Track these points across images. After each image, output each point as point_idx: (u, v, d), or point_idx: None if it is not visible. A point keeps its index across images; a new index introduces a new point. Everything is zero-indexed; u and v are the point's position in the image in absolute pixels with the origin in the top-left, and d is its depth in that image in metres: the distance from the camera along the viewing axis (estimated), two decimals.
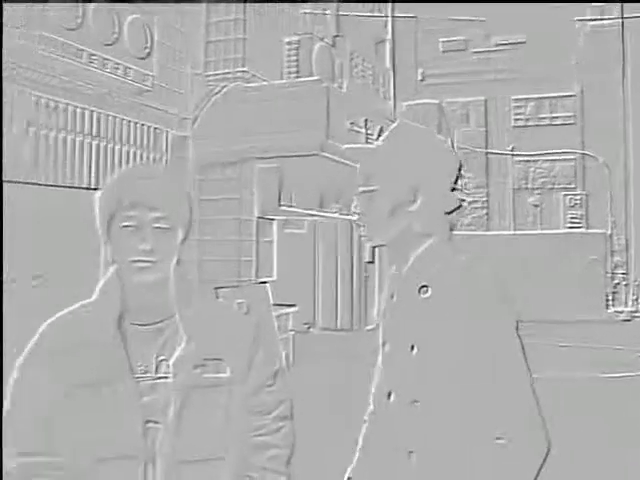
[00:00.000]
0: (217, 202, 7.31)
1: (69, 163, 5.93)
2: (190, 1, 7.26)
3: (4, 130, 5.37)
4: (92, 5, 5.76)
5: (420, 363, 2.01)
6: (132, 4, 6.26)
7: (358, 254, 9.95)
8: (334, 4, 8.96)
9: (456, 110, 12.67)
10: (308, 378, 5.11)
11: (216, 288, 5.40)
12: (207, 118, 7.34)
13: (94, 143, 6.19)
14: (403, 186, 2.10)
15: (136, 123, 6.72)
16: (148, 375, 2.03)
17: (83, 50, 5.73)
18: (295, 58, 7.85)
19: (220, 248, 7.29)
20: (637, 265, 10.91)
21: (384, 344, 2.15)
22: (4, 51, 5.24)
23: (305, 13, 8.35)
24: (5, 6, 5.16)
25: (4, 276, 5.06)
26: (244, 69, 7.38)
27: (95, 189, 5.86)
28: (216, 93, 7.35)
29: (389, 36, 10.55)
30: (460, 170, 2.23)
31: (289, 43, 7.89)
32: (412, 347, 2.02)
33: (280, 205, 7.72)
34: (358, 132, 7.63)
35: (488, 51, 12.59)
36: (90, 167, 6.11)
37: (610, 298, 11.52)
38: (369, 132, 7.81)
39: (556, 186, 12.27)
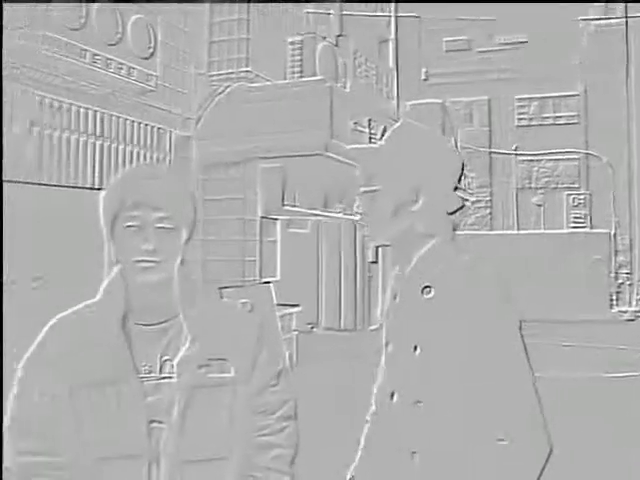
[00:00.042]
0: (221, 202, 7.32)
1: (73, 163, 5.94)
2: (193, 1, 7.26)
3: (7, 130, 5.38)
4: (95, 5, 5.76)
5: (423, 363, 2.00)
6: (135, 4, 6.27)
7: (361, 254, 9.95)
8: (337, 4, 8.96)
9: (459, 110, 12.66)
10: (311, 378, 5.11)
11: (220, 288, 5.40)
12: (210, 118, 7.34)
13: (98, 143, 6.20)
14: (405, 186, 2.10)
15: (140, 123, 6.73)
16: (152, 375, 2.03)
17: (87, 50, 5.73)
18: (298, 58, 7.85)
19: (224, 248, 7.29)
20: None
21: (387, 344, 2.15)
22: (8, 51, 5.24)
23: (308, 13, 8.35)
24: (9, 6, 5.17)
25: (4, 277, 5.06)
26: (247, 69, 7.38)
27: (99, 189, 5.88)
28: (219, 93, 7.36)
29: (392, 36, 10.55)
30: (463, 170, 2.22)
31: (292, 43, 7.90)
32: (415, 347, 2.02)
33: (284, 205, 7.72)
34: (361, 132, 7.63)
35: (491, 51, 12.58)
36: (94, 167, 6.12)
37: (614, 298, 11.51)
38: (372, 132, 7.82)
39: (559, 186, 12.26)
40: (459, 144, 11.16)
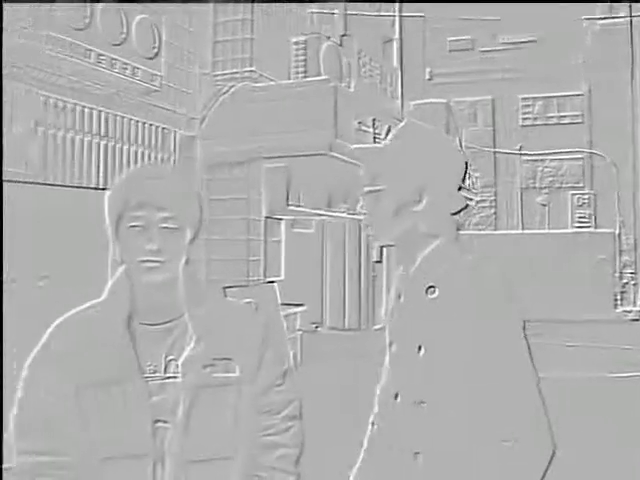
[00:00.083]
0: (225, 202, 7.32)
1: (77, 163, 5.95)
2: (198, 1, 7.27)
3: (12, 130, 5.39)
4: (100, 5, 5.77)
5: (427, 364, 2.00)
6: (140, 4, 6.27)
7: (366, 254, 9.96)
8: (341, 4, 8.96)
9: (464, 109, 12.66)
10: (316, 377, 5.11)
11: (224, 288, 5.41)
12: (215, 118, 7.35)
13: (102, 143, 6.21)
14: (409, 186, 2.09)
15: (144, 123, 6.74)
16: (157, 375, 2.03)
17: (91, 50, 5.74)
18: (303, 58, 7.85)
19: (228, 248, 7.30)
20: None
21: (391, 344, 2.15)
22: (12, 51, 5.25)
23: (312, 13, 8.36)
24: (14, 6, 5.18)
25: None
26: (252, 69, 7.39)
27: (103, 189, 5.88)
28: (224, 93, 7.36)
29: (397, 35, 10.56)
30: (467, 169, 2.22)
31: (296, 43, 7.90)
32: (419, 348, 2.02)
33: (288, 205, 7.73)
34: (366, 131, 7.63)
35: (495, 50, 12.57)
36: (98, 167, 6.13)
37: (618, 297, 11.50)
38: (377, 131, 7.82)
39: (564, 185, 12.26)
40: (463, 144, 11.15)
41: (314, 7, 8.43)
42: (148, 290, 2.05)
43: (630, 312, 10.71)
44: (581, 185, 11.89)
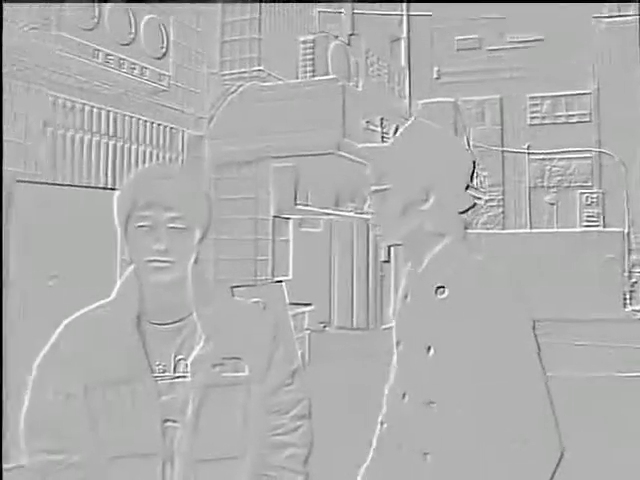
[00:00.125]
0: (233, 201, 7.33)
1: (86, 163, 5.96)
2: (206, 1, 7.28)
3: (22, 130, 5.40)
4: (108, 5, 5.78)
5: (436, 364, 1.99)
6: (148, 4, 6.28)
7: (374, 253, 9.96)
8: (349, 3, 8.96)
9: (471, 108, 12.63)
10: (324, 377, 5.11)
11: (232, 287, 5.41)
12: (223, 117, 7.36)
13: (110, 143, 6.22)
14: (415, 185, 2.08)
15: (152, 123, 6.75)
16: (166, 374, 2.03)
17: (99, 50, 5.75)
18: (311, 57, 7.85)
19: (236, 247, 7.31)
20: None
21: (398, 344, 2.14)
22: (20, 51, 5.27)
23: (320, 12, 8.36)
24: (24, 6, 5.19)
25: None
26: (260, 68, 7.40)
27: (112, 189, 5.90)
28: (232, 92, 7.37)
29: (404, 34, 10.55)
30: (475, 168, 2.21)
31: (304, 42, 7.90)
32: (428, 348, 2.01)
33: (296, 204, 7.73)
34: (374, 131, 7.63)
35: (503, 49, 12.54)
36: (107, 167, 6.14)
37: (627, 297, 11.47)
38: (385, 130, 7.82)
39: (572, 184, 12.23)
40: (471, 143, 11.13)
41: (322, 6, 8.43)
42: (157, 290, 2.05)
43: (639, 311, 10.67)
44: (590, 184, 11.87)
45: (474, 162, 2.21)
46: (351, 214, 9.02)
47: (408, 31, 10.62)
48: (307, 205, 8.02)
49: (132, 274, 2.09)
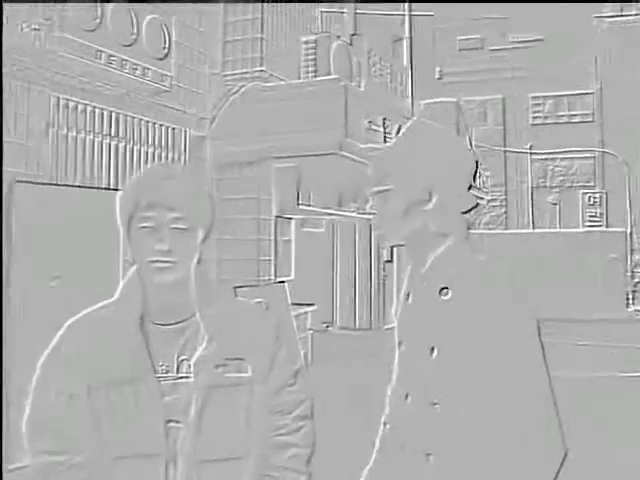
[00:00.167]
0: (235, 202, 7.33)
1: (88, 163, 5.97)
2: (208, 1, 7.28)
3: (23, 130, 5.41)
4: (110, 6, 5.78)
5: (440, 365, 1.99)
6: (150, 4, 6.28)
7: (377, 253, 9.96)
8: (351, 3, 8.96)
9: (474, 108, 12.63)
10: (327, 377, 5.12)
11: (235, 287, 5.41)
12: (225, 118, 7.36)
13: (113, 143, 6.22)
14: (418, 185, 2.08)
15: (154, 123, 6.75)
16: (169, 375, 2.03)
17: (102, 51, 5.75)
18: (313, 57, 7.85)
19: (238, 247, 7.31)
20: None
21: (400, 344, 2.13)
22: (23, 52, 5.27)
23: (322, 12, 8.36)
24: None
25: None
26: (262, 68, 7.40)
27: (115, 189, 5.90)
28: (234, 93, 7.37)
29: (406, 34, 10.55)
30: (477, 168, 2.21)
31: (307, 42, 7.90)
32: (432, 349, 2.00)
33: (298, 204, 7.73)
34: (376, 131, 7.63)
35: (505, 49, 12.54)
36: (109, 167, 6.15)
37: (630, 297, 11.47)
38: (387, 131, 7.81)
39: (575, 184, 12.22)
40: (473, 143, 11.14)
41: (324, 6, 8.43)
42: (160, 290, 2.05)
43: None
44: (592, 184, 11.87)
45: (476, 162, 2.21)
46: (353, 214, 9.02)
47: (410, 31, 10.62)
48: (309, 205, 8.02)
49: (135, 275, 2.08)
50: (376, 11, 9.42)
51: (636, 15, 11.00)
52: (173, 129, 6.99)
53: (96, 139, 6.07)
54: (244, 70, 7.44)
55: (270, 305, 5.48)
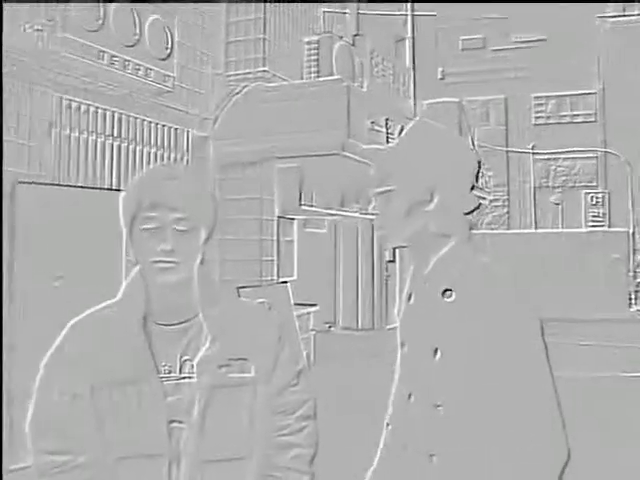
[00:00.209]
0: (238, 202, 7.34)
1: (91, 164, 5.97)
2: (210, 1, 7.28)
3: (25, 131, 5.41)
4: (113, 6, 5.79)
5: (443, 367, 1.98)
6: (152, 4, 6.29)
7: (379, 253, 9.96)
8: (354, 3, 8.97)
9: (476, 108, 12.63)
10: (329, 377, 5.12)
11: (238, 288, 5.41)
12: (228, 118, 7.36)
13: (115, 144, 6.23)
14: (420, 186, 2.07)
15: (157, 124, 6.76)
16: (172, 375, 2.03)
17: (104, 52, 5.76)
18: (315, 57, 7.85)
19: (241, 248, 7.31)
20: None
21: (402, 345, 2.13)
22: (25, 53, 5.28)
23: (325, 12, 8.36)
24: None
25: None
26: (264, 69, 7.40)
27: (117, 190, 5.90)
28: (237, 93, 7.37)
29: (409, 34, 10.55)
30: (480, 169, 2.20)
31: (309, 42, 7.90)
32: (435, 350, 2.00)
33: (301, 205, 7.74)
34: (379, 131, 7.63)
35: (507, 49, 12.54)
36: (112, 168, 6.15)
37: (632, 297, 11.46)
38: (389, 131, 7.81)
39: (577, 184, 12.22)
40: (475, 143, 11.12)
41: (326, 7, 8.43)
42: (163, 291, 2.05)
43: None
44: (595, 184, 11.87)
45: (479, 162, 2.20)
46: (356, 215, 9.02)
47: (413, 31, 10.62)
48: (312, 206, 8.02)
49: (138, 275, 2.09)
50: (378, 11, 9.43)
51: (638, 15, 10.99)
52: (176, 129, 6.99)
53: (99, 139, 6.07)
54: (247, 70, 7.44)
55: (273, 305, 5.48)
